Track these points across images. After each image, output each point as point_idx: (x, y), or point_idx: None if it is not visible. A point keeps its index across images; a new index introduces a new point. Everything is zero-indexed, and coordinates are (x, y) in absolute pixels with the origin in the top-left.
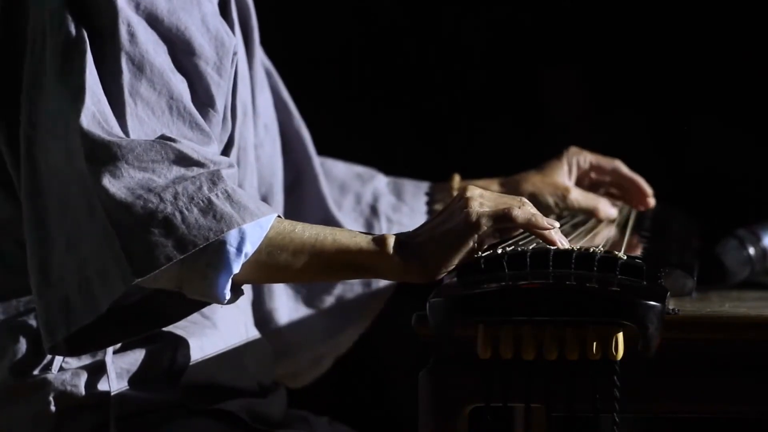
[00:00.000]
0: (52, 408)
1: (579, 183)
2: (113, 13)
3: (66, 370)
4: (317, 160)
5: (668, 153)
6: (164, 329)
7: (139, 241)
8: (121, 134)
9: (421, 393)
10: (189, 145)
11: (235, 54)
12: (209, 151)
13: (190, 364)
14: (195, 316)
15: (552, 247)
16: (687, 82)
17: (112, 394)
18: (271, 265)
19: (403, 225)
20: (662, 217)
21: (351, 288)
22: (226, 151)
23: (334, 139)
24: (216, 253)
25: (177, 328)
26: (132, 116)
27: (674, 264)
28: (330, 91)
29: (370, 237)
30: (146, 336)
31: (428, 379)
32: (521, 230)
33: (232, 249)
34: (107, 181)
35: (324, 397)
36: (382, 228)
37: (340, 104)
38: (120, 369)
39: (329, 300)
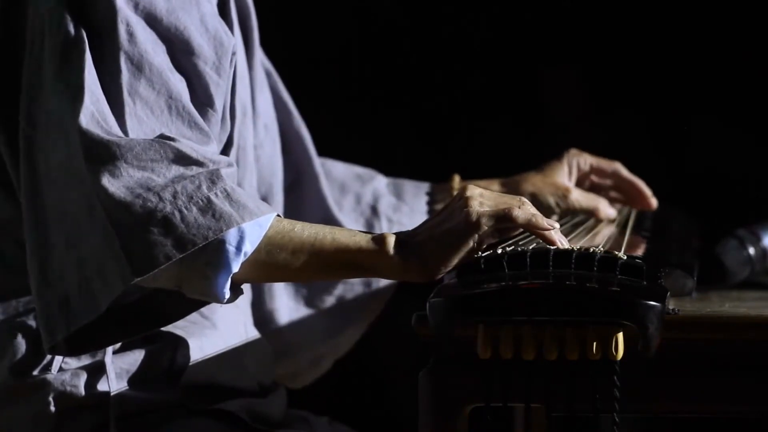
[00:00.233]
0: (52, 408)
1: (579, 185)
2: (112, 12)
3: (66, 371)
4: (317, 160)
5: (668, 153)
6: (164, 329)
7: (139, 240)
8: (120, 134)
9: (421, 393)
10: (188, 145)
11: (233, 54)
12: (208, 150)
13: (190, 364)
14: (194, 316)
15: (552, 247)
16: (687, 82)
17: (111, 394)
18: (271, 264)
19: (404, 225)
20: (662, 217)
21: (351, 288)
22: (225, 151)
23: (334, 140)
24: (215, 252)
25: (176, 328)
26: (131, 116)
27: (674, 264)
28: (330, 91)
29: (369, 236)
30: (146, 336)
31: (428, 379)
32: (521, 230)
33: (231, 248)
34: (106, 181)
35: (324, 397)
36: (383, 228)
37: (340, 104)
38: (120, 369)
39: (330, 300)
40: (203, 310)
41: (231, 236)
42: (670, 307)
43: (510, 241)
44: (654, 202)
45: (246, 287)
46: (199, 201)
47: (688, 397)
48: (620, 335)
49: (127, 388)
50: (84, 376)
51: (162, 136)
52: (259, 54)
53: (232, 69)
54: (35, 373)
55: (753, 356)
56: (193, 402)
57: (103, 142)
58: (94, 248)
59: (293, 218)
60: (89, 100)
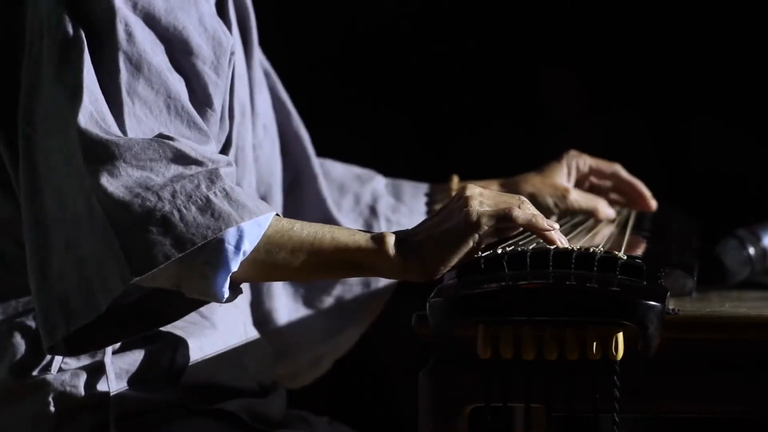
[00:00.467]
0: (52, 408)
1: (578, 186)
2: (110, 12)
3: (65, 371)
4: (316, 161)
5: (668, 153)
6: (163, 329)
7: (138, 239)
8: (119, 133)
9: (421, 393)
10: (187, 144)
11: (232, 54)
12: (207, 150)
13: (190, 364)
14: (194, 317)
15: (552, 247)
16: (687, 82)
17: (111, 394)
18: (270, 263)
19: (402, 225)
20: (662, 217)
21: (350, 288)
22: (224, 151)
23: (334, 140)
24: (214, 251)
25: (176, 328)
26: (130, 115)
27: (674, 264)
28: (329, 91)
29: (368, 235)
30: (145, 336)
31: (428, 379)
32: (521, 230)
33: (230, 247)
34: (105, 180)
35: (324, 397)
36: (381, 228)
37: (340, 104)
38: (119, 369)
39: (328, 300)
40: (203, 310)
41: (230, 235)
42: (670, 307)
43: (510, 241)
44: (653, 203)
45: (245, 287)
46: (198, 200)
47: (688, 397)
48: (620, 335)
49: (127, 388)
50: (84, 377)
51: (161, 136)
52: (257, 54)
53: (231, 69)
54: (35, 373)
55: (753, 356)
56: (193, 402)
57: (102, 141)
58: (94, 248)
59: (292, 218)
60: (88, 99)
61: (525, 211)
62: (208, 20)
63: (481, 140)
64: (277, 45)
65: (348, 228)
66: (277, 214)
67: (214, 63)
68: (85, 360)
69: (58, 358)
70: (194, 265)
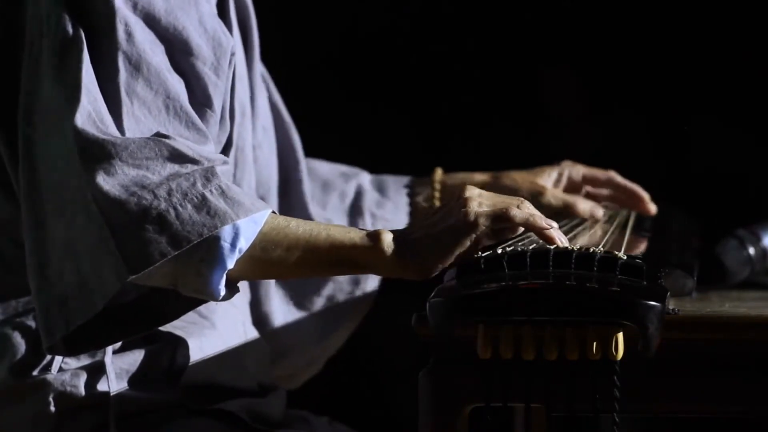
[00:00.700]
0: (52, 408)
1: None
2: (110, 12)
3: (65, 371)
4: (304, 166)
5: (668, 153)
6: (163, 329)
7: (134, 238)
8: (117, 133)
9: (421, 393)
10: (183, 143)
11: (233, 54)
12: (204, 149)
13: (190, 364)
14: (193, 317)
15: (552, 247)
16: (687, 82)
17: (111, 394)
18: (266, 260)
19: (387, 220)
20: (662, 217)
21: (341, 289)
22: (224, 151)
23: (334, 140)
24: (210, 248)
25: (176, 328)
26: (128, 115)
27: (674, 264)
28: (329, 92)
29: (364, 233)
30: (145, 336)
31: (428, 379)
32: (521, 230)
33: (226, 244)
34: (101, 179)
35: (324, 397)
36: (367, 224)
37: (339, 104)
38: (119, 369)
39: (320, 302)
40: (202, 310)
41: (226, 233)
42: (670, 307)
43: (510, 241)
44: (652, 206)
45: (244, 287)
46: (194, 198)
47: (688, 397)
48: (620, 335)
49: (127, 388)
50: (84, 376)
51: (158, 134)
52: (258, 55)
53: (231, 69)
54: (35, 373)
55: (753, 356)
56: (193, 402)
57: (98, 141)
58: (90, 247)
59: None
60: (86, 99)
61: (523, 210)
62: (208, 21)
63: (481, 140)
64: (277, 45)
65: (344, 226)
66: (273, 212)
67: (214, 64)
68: (85, 360)
69: (58, 358)
70: (190, 263)
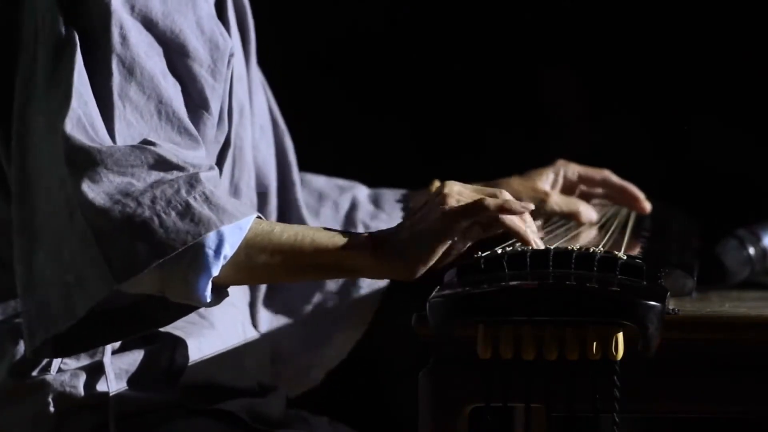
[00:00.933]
0: (51, 409)
1: (569, 194)
2: (106, 15)
3: (65, 371)
4: (296, 169)
5: (668, 153)
6: (162, 330)
7: (118, 246)
8: (107, 138)
9: (421, 393)
10: (169, 149)
11: (231, 56)
12: (189, 155)
13: (189, 364)
14: (192, 317)
15: (552, 247)
16: (687, 82)
17: (110, 394)
18: (251, 266)
19: None
20: (662, 217)
21: (331, 296)
22: (222, 151)
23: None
24: (195, 256)
25: (175, 328)
26: (120, 119)
27: (674, 264)
28: (327, 94)
29: (348, 236)
30: (144, 337)
31: (428, 379)
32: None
33: (210, 251)
34: (86, 186)
35: (324, 397)
36: None
37: (338, 107)
38: (119, 369)
39: (307, 309)
40: (201, 310)
41: (210, 240)
42: (670, 307)
43: (510, 241)
44: (648, 205)
45: (244, 288)
46: (178, 205)
47: (688, 397)
48: (620, 335)
49: (127, 388)
50: (83, 377)
51: (144, 141)
52: (254, 55)
53: (230, 71)
54: (34, 373)
55: (753, 356)
56: (192, 402)
57: (85, 148)
58: (75, 254)
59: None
60: (77, 103)
61: (496, 198)
62: (206, 23)
63: (481, 141)
64: (273, 50)
65: (328, 229)
66: (259, 217)
67: (211, 66)
68: (84, 360)
69: (57, 359)
70: (176, 271)
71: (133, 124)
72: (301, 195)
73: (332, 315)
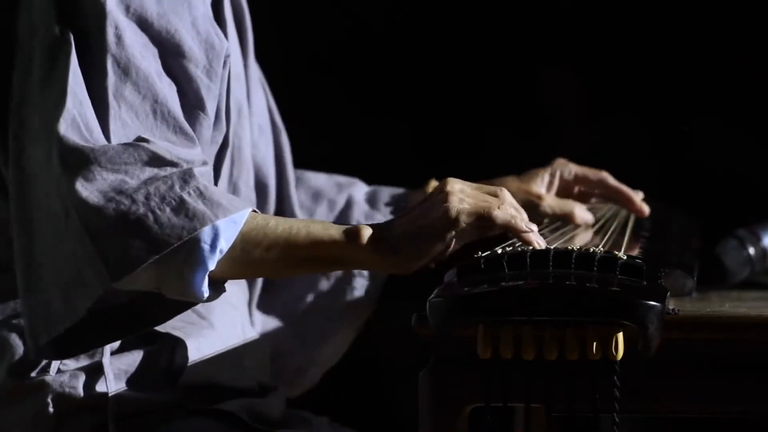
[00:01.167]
0: (51, 409)
1: (566, 194)
2: (101, 15)
3: (64, 372)
4: (292, 171)
5: (668, 153)
6: (161, 330)
7: (113, 244)
8: (101, 138)
9: (421, 393)
10: (163, 146)
11: (227, 56)
12: (183, 151)
13: (189, 364)
14: (192, 317)
15: (552, 247)
16: (686, 82)
17: (110, 395)
18: (247, 260)
19: None
20: (662, 217)
21: (324, 297)
22: (221, 151)
23: (331, 142)
24: (190, 251)
25: (174, 328)
26: (115, 119)
27: (674, 264)
28: (326, 94)
29: (343, 228)
30: (143, 337)
31: (428, 379)
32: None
33: (206, 246)
34: (80, 185)
35: (324, 397)
36: None
37: (337, 107)
38: (118, 370)
39: (301, 309)
40: (200, 310)
41: (205, 234)
42: (670, 307)
43: (510, 241)
44: (645, 207)
45: (243, 287)
46: (172, 201)
47: (688, 397)
48: (620, 335)
49: (126, 388)
50: (82, 377)
51: (138, 139)
52: (252, 54)
53: (226, 71)
54: (34, 374)
55: (753, 356)
56: (192, 402)
57: (78, 148)
58: (72, 253)
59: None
60: (71, 103)
61: (504, 211)
62: (201, 24)
63: (481, 141)
64: (272, 49)
65: (324, 222)
66: (255, 211)
67: (207, 67)
68: (83, 361)
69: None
70: (171, 266)
71: (128, 124)
72: (295, 193)
73: (327, 315)
